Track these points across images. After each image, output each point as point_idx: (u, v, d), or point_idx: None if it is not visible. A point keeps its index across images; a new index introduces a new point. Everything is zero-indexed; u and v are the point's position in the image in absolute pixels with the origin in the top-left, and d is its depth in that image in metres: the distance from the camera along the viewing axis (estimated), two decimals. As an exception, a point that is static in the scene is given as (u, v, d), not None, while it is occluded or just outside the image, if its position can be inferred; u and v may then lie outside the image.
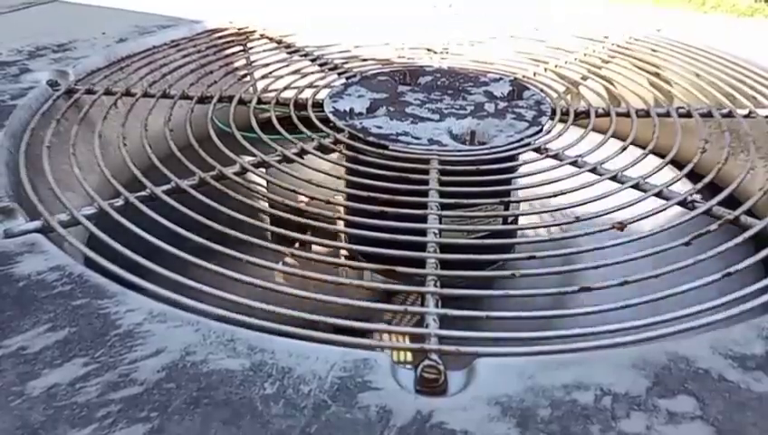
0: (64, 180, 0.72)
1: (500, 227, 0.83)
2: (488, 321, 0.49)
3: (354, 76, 1.01)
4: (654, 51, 1.12)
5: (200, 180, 0.70)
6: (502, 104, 0.88)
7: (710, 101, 0.92)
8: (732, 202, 0.67)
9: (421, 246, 0.59)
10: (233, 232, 0.59)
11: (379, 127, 0.81)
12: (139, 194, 0.66)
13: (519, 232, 0.91)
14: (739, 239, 0.59)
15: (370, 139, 0.78)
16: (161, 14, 1.28)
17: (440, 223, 0.63)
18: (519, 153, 0.78)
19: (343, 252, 0.90)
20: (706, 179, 0.70)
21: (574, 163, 0.75)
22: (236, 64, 1.09)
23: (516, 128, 0.81)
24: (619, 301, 0.50)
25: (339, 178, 0.78)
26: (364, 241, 0.62)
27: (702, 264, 0.55)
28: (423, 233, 0.61)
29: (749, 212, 0.65)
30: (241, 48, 1.14)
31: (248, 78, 1.06)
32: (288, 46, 1.15)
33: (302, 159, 0.77)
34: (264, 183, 0.96)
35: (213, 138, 0.79)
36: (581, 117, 0.88)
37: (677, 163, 0.77)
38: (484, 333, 0.48)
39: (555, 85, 1.01)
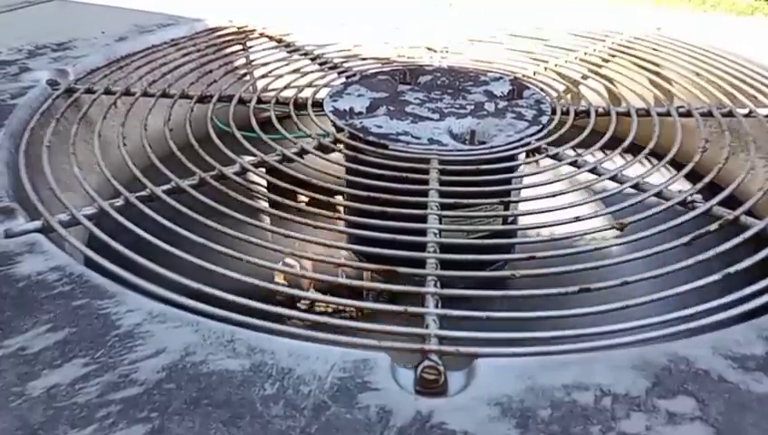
0: (64, 180, 0.72)
1: (500, 227, 0.82)
2: (488, 321, 0.49)
3: (354, 75, 1.01)
4: (654, 50, 1.11)
5: (200, 180, 0.70)
6: (502, 103, 0.88)
7: (710, 101, 0.91)
8: (732, 202, 0.67)
9: (421, 247, 0.59)
10: (233, 232, 0.59)
11: (379, 126, 0.81)
12: (139, 194, 0.66)
13: (519, 232, 0.91)
14: (739, 239, 0.59)
15: (370, 138, 0.78)
16: (161, 12, 1.28)
17: (440, 223, 0.63)
18: (519, 153, 0.78)
19: (343, 252, 0.90)
20: (706, 179, 0.70)
21: (574, 163, 0.75)
22: (236, 63, 1.09)
23: (516, 127, 0.81)
24: (619, 301, 0.50)
25: (339, 177, 0.78)
26: (364, 241, 0.62)
27: (702, 264, 0.55)
28: (423, 233, 0.61)
29: (749, 212, 0.65)
30: (241, 47, 1.14)
31: (248, 77, 1.06)
32: (288, 45, 1.15)
33: (302, 158, 0.77)
34: (264, 183, 0.96)
35: (213, 137, 0.79)
36: (582, 116, 0.88)
37: (678, 163, 0.77)
38: (484, 333, 0.48)
39: (555, 84, 1.01)
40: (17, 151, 0.73)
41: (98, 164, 0.71)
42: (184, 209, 0.62)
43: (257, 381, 0.42)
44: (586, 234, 0.63)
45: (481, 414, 0.40)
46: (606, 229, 0.62)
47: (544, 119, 0.83)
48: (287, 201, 0.67)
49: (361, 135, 0.78)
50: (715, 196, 0.67)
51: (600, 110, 0.89)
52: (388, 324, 0.48)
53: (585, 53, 1.12)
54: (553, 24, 1.26)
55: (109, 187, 0.69)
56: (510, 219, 0.85)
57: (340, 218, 0.73)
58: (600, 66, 1.08)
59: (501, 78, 0.97)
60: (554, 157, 0.77)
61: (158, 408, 0.39)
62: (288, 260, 0.98)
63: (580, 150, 0.77)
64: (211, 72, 1.00)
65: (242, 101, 0.91)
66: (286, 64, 1.06)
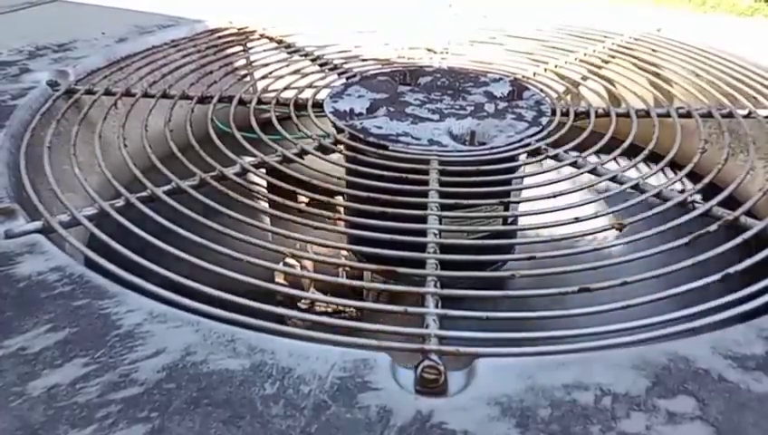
0: (65, 181, 0.72)
1: (500, 227, 0.83)
2: (488, 321, 0.49)
3: (354, 76, 1.01)
4: (654, 51, 1.12)
5: (201, 181, 0.70)
6: (502, 104, 0.88)
7: (710, 102, 0.92)
8: (731, 202, 0.67)
9: (421, 247, 0.59)
10: (233, 232, 0.59)
11: (379, 127, 0.81)
12: (139, 194, 0.66)
13: (519, 232, 0.91)
14: (739, 240, 0.59)
15: (370, 139, 0.78)
16: (161, 13, 1.28)
17: (440, 223, 0.63)
18: (519, 153, 0.78)
19: (344, 252, 0.90)
20: (706, 180, 0.70)
21: (574, 164, 0.76)
22: (236, 64, 1.09)
23: (516, 128, 0.81)
24: (618, 301, 0.50)
25: (339, 178, 0.78)
26: (364, 241, 0.62)
27: (702, 264, 0.55)
28: (423, 233, 0.61)
29: (749, 213, 0.65)
30: (241, 48, 1.14)
31: (248, 78, 1.06)
32: (288, 46, 1.15)
33: (302, 159, 0.77)
34: (264, 183, 0.96)
35: (213, 138, 0.79)
36: (581, 117, 0.88)
37: (677, 163, 0.77)
38: (485, 333, 0.48)
39: (555, 85, 1.01)
40: (18, 152, 0.73)
41: (98, 165, 0.71)
42: (184, 210, 0.62)
43: (257, 380, 0.42)
44: (586, 234, 0.63)
45: (481, 414, 0.40)
46: (606, 230, 0.62)
47: (544, 120, 0.84)
48: (287, 202, 0.67)
49: (361, 136, 0.78)
50: (714, 196, 0.67)
51: (600, 111, 0.89)
52: (389, 324, 0.48)
53: (585, 54, 1.12)
54: (553, 25, 1.26)
55: (109, 187, 0.69)
56: (510, 220, 0.85)
57: (340, 219, 0.74)
58: (599, 67, 1.08)
59: (501, 79, 0.97)
60: (554, 158, 0.77)
61: (158, 408, 0.39)
62: (289, 260, 0.98)
63: (580, 151, 0.77)
64: (211, 72, 1.00)
65: (242, 102, 0.91)
66: (286, 65, 1.07)
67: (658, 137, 0.80)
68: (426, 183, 0.70)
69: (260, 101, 0.91)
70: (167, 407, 0.40)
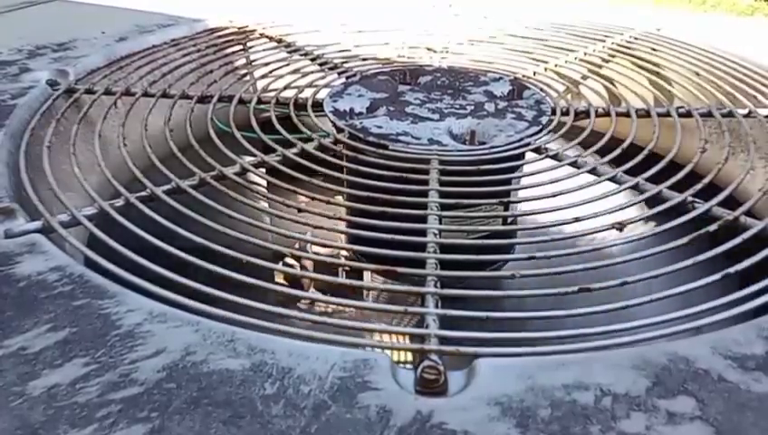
0: (64, 180, 0.72)
1: (500, 227, 0.83)
2: (488, 321, 0.49)
3: (354, 76, 1.01)
4: (654, 50, 1.12)
5: (200, 180, 0.70)
6: (502, 104, 0.88)
7: (710, 101, 0.91)
8: (731, 202, 0.67)
9: (421, 247, 0.59)
10: (233, 232, 0.59)
11: (379, 127, 0.81)
12: (139, 194, 0.66)
13: (519, 232, 0.91)
14: (739, 240, 0.59)
15: (370, 138, 0.78)
16: (161, 12, 1.28)
17: (440, 223, 0.63)
18: (519, 153, 0.78)
19: (344, 252, 0.90)
20: (706, 180, 0.70)
21: (574, 163, 0.76)
22: (236, 64, 1.09)
23: (516, 127, 0.81)
24: (618, 301, 0.50)
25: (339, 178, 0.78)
26: (364, 241, 0.62)
27: (702, 264, 0.55)
28: (423, 233, 0.61)
29: (749, 212, 0.65)
30: (241, 47, 1.14)
31: (248, 77, 1.06)
32: (288, 46, 1.15)
33: (303, 159, 0.77)
34: (264, 183, 0.96)
35: (213, 138, 0.79)
36: (581, 116, 0.88)
37: (677, 163, 0.77)
38: (484, 333, 0.48)
39: (555, 85, 1.01)
40: (18, 151, 0.73)
41: (98, 164, 0.71)
42: (184, 210, 0.62)
43: (257, 380, 0.42)
44: (586, 234, 0.63)
45: (481, 414, 0.40)
46: (605, 229, 0.62)
47: (544, 119, 0.84)
48: (287, 201, 0.67)
49: (361, 135, 0.78)
50: (714, 196, 0.67)
51: (600, 110, 0.89)
52: (389, 324, 0.48)
53: (585, 54, 1.12)
54: (553, 25, 1.26)
55: (109, 187, 0.69)
56: (510, 219, 0.85)
57: (341, 219, 0.73)
58: (599, 66, 1.08)
59: (501, 78, 0.97)
60: (554, 157, 0.77)
61: (158, 407, 0.39)
62: (288, 260, 0.98)
63: (580, 150, 0.77)
64: (211, 72, 1.00)
65: (242, 102, 0.91)
66: (286, 65, 1.06)
67: (658, 136, 0.80)
68: (426, 183, 0.70)
69: (260, 101, 0.91)
70: (167, 407, 0.40)
